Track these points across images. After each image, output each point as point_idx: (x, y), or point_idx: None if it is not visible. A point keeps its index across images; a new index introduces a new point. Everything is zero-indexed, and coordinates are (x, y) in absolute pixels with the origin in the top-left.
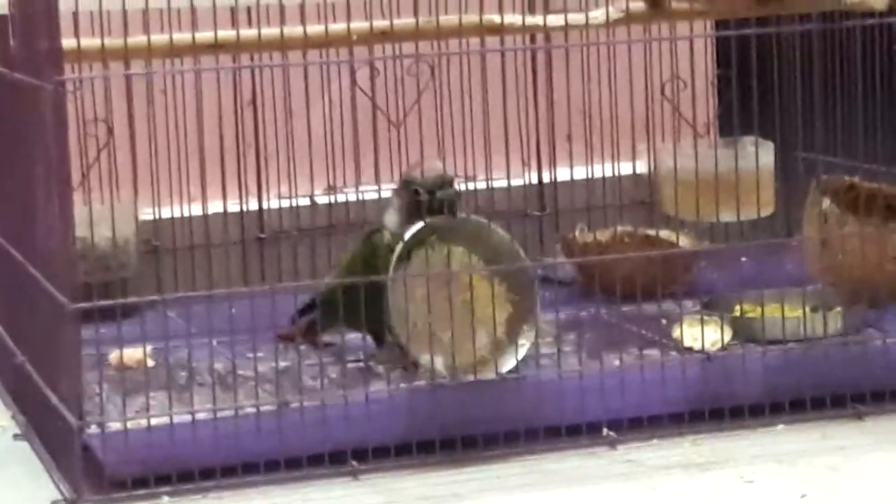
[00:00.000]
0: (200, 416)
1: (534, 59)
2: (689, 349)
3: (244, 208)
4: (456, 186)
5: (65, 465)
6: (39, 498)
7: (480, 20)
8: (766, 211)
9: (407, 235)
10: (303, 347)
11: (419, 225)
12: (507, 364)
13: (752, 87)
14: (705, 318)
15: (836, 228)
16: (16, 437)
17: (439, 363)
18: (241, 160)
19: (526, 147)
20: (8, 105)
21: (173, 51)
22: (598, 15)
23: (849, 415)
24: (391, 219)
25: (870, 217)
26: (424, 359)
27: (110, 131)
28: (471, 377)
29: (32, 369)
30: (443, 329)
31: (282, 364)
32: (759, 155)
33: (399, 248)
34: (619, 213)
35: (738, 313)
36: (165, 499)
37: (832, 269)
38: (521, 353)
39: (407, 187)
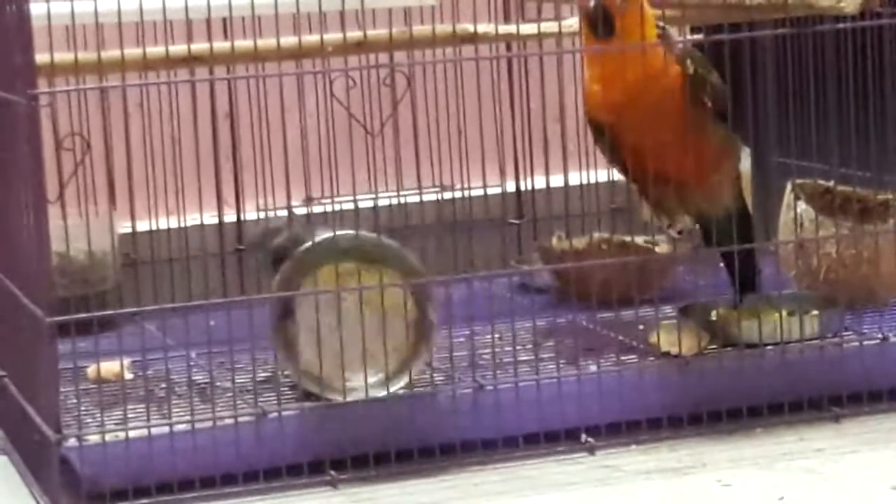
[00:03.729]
0: (178, 427)
1: (509, 67)
2: (667, 354)
3: (222, 220)
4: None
5: (43, 479)
6: None
7: (454, 29)
8: None
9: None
10: None
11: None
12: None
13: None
14: (682, 323)
15: (811, 232)
16: None
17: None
18: (218, 172)
19: (502, 155)
20: None
21: (147, 64)
22: (572, 23)
23: (826, 417)
24: None
25: (845, 220)
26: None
27: (87, 145)
28: (448, 386)
29: (11, 383)
30: (353, 343)
31: (260, 375)
32: None
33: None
34: (597, 221)
35: (714, 318)
36: None
37: (808, 272)
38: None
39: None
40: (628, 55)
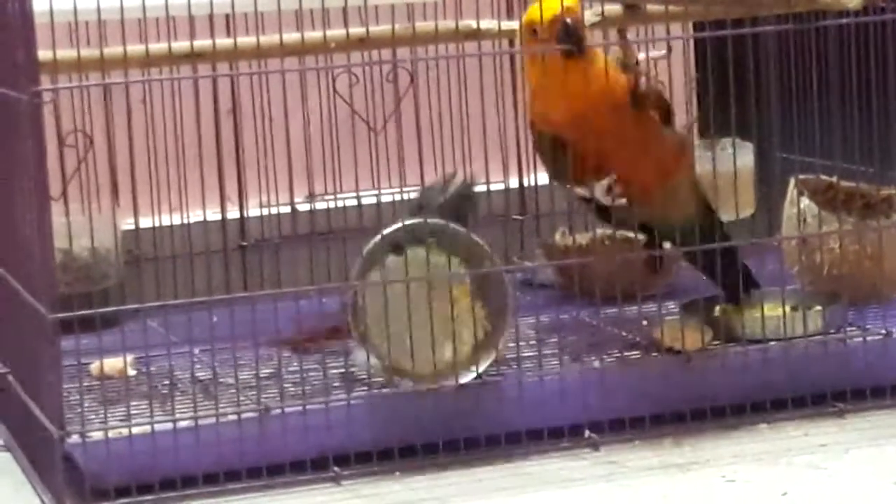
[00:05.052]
0: (182, 424)
1: (512, 63)
2: (670, 350)
3: (225, 217)
4: (452, 191)
5: (47, 476)
6: None
7: (457, 25)
8: (746, 212)
9: (373, 242)
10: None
11: (394, 227)
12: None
13: (729, 88)
14: (686, 318)
15: (814, 227)
16: None
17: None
18: (220, 168)
19: (505, 151)
20: None
21: (150, 61)
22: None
23: (830, 413)
24: None
25: (848, 216)
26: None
27: (90, 142)
28: (451, 381)
29: (14, 380)
30: (419, 335)
31: (263, 371)
32: (738, 156)
33: (369, 246)
34: None
35: (718, 313)
36: None
37: (812, 268)
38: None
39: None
40: (591, 68)
